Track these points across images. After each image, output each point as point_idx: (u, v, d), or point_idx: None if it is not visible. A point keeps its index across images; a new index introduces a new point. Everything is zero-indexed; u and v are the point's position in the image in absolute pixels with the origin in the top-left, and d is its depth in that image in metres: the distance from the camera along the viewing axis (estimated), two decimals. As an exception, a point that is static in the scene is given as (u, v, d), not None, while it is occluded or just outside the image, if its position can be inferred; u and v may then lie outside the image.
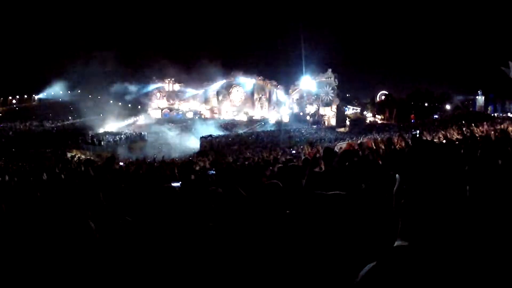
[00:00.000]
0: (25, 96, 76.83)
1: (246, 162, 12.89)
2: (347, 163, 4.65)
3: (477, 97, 64.63)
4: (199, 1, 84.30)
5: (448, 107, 67.60)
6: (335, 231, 3.34)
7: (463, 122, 40.06)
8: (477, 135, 14.77)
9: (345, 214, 3.43)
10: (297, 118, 64.94)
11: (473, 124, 24.19)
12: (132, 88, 71.54)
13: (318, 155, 10.50)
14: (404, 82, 79.91)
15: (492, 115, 53.73)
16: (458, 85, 70.07)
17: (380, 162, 5.98)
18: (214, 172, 4.69)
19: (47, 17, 72.80)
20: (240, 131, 57.40)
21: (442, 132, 25.50)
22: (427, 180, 1.44)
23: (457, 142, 11.17)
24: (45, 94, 79.00)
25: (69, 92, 77.74)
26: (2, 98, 68.77)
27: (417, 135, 9.24)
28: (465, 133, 15.91)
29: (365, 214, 3.40)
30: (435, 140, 18.46)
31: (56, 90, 77.65)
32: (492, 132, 17.57)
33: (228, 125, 63.45)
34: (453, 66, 70.17)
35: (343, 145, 18.77)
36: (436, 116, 61.63)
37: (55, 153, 39.89)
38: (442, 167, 1.46)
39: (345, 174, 3.75)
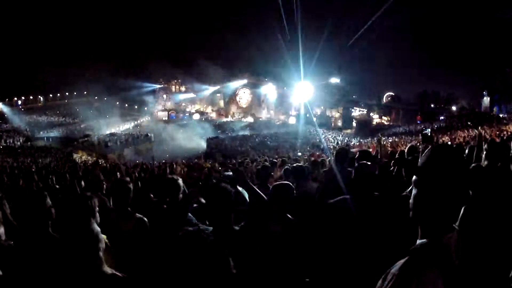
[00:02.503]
0: (31, 97, 76.88)
1: (254, 164, 12.88)
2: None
3: (482, 98, 64.44)
4: (206, 3, 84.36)
5: (454, 108, 67.37)
6: (346, 235, 3.39)
7: (469, 123, 39.95)
8: (482, 135, 14.75)
9: (354, 218, 3.48)
10: (304, 120, 64.97)
11: (479, 127, 24.08)
12: (139, 89, 71.79)
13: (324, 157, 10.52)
14: (410, 84, 79.38)
15: (498, 115, 53.43)
16: (463, 87, 69.77)
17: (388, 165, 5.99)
18: (230, 173, 4.67)
19: (54, 19, 73.11)
20: (247, 133, 57.55)
21: (449, 134, 25.48)
22: (446, 181, 1.52)
23: (463, 144, 11.17)
24: (51, 95, 79.16)
25: (75, 93, 78.06)
26: (7, 99, 68.77)
27: (428, 134, 9.16)
28: (472, 135, 15.90)
29: (376, 217, 3.44)
30: (443, 141, 18.47)
31: (62, 91, 77.99)
32: (497, 133, 17.57)
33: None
34: (458, 68, 69.77)
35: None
36: (442, 118, 61.43)
37: (61, 154, 40.15)
38: (460, 170, 1.54)
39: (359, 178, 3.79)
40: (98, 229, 2.64)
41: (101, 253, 2.55)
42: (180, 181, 4.58)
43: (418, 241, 1.56)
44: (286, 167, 7.30)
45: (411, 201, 1.62)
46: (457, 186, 1.53)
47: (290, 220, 3.60)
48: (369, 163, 4.17)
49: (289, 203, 3.69)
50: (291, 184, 3.92)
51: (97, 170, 11.80)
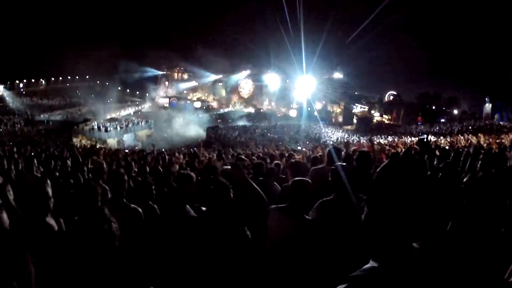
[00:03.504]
0: (32, 80, 76.48)
1: (254, 157, 12.88)
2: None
3: (484, 104, 64.12)
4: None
5: (455, 111, 67.11)
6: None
7: (470, 128, 39.76)
8: (482, 143, 14.80)
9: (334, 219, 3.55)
10: (305, 113, 64.81)
11: (478, 134, 23.95)
12: (140, 75, 71.58)
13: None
14: (412, 84, 78.96)
15: (498, 123, 53.01)
16: (465, 91, 69.42)
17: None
18: (230, 167, 4.67)
19: (57, 3, 72.63)
20: (247, 123, 57.56)
21: (449, 138, 25.45)
22: (397, 201, 1.46)
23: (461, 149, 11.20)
24: (53, 79, 78.78)
25: (77, 77, 77.74)
26: (9, 82, 68.42)
27: (424, 140, 9.12)
28: (473, 140, 15.91)
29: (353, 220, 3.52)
30: (439, 144, 18.47)
31: (63, 75, 77.62)
32: (497, 141, 17.60)
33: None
34: (461, 72, 69.43)
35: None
36: (443, 120, 61.29)
37: (61, 138, 40.09)
38: (413, 190, 1.50)
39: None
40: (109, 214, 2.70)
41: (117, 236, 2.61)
42: (194, 176, 4.63)
43: (369, 263, 1.48)
44: (276, 162, 7.35)
45: (363, 220, 1.51)
46: (411, 206, 1.44)
47: (304, 219, 3.67)
48: (344, 163, 4.24)
49: (305, 201, 3.76)
50: (309, 181, 3.97)
51: (100, 157, 11.85)
